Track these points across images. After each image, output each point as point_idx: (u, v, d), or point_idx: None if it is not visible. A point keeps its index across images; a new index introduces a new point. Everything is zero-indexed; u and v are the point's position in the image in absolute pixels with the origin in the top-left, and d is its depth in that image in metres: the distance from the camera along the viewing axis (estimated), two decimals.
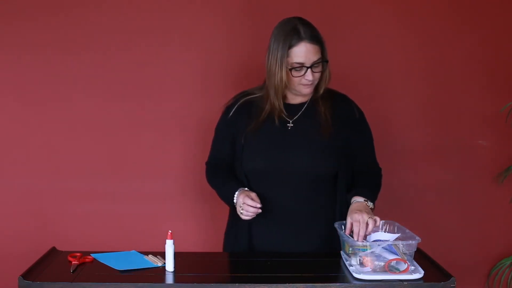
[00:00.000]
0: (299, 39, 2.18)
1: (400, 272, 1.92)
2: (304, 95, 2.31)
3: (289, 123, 2.29)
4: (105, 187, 2.97)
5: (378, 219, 2.10)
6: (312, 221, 2.28)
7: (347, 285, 1.89)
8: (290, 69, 2.20)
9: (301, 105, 2.32)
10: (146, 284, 1.89)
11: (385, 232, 2.14)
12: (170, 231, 2.05)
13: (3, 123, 2.95)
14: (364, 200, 2.20)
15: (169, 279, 1.94)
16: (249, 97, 2.35)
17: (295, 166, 2.24)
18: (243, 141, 2.30)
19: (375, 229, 2.13)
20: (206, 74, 2.95)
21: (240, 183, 2.28)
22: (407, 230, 2.07)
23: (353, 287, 1.89)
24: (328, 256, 2.16)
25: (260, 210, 2.16)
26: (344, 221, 2.14)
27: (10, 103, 2.95)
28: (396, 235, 2.07)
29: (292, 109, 2.31)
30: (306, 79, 2.21)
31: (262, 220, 2.25)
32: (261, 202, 2.18)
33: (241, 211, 2.18)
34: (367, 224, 2.06)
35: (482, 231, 3.08)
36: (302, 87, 2.25)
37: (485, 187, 3.05)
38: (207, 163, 2.46)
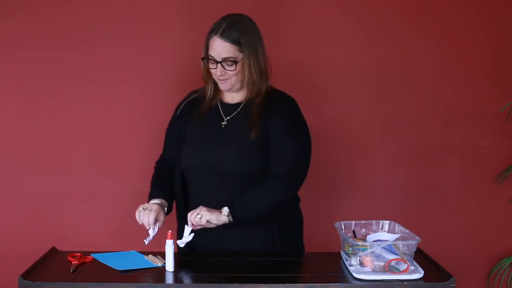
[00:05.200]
0: (216, 33, 2.21)
1: (400, 272, 1.92)
2: (225, 90, 2.30)
3: (224, 121, 2.29)
4: (105, 187, 2.97)
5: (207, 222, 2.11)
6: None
7: (347, 285, 1.89)
8: (206, 59, 2.23)
9: (237, 105, 2.32)
10: (146, 284, 1.89)
11: (385, 232, 2.14)
12: (170, 231, 2.05)
13: (3, 123, 2.95)
14: (228, 215, 2.14)
15: (169, 279, 1.94)
16: (195, 95, 2.38)
17: (223, 164, 2.23)
18: (183, 139, 2.33)
19: (375, 229, 2.13)
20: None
21: (160, 193, 2.28)
22: (407, 230, 2.07)
23: (353, 287, 1.89)
24: (328, 256, 2.16)
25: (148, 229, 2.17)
26: (344, 221, 2.15)
27: (10, 103, 2.95)
28: (396, 235, 2.07)
29: (229, 108, 2.31)
30: (217, 74, 2.24)
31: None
32: (195, 201, 2.22)
33: (139, 211, 2.18)
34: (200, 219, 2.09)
35: (482, 231, 3.08)
36: (218, 81, 2.27)
37: (485, 187, 3.05)
38: (156, 162, 2.46)
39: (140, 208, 2.19)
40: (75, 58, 2.93)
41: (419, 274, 1.92)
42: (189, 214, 2.13)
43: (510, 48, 3.00)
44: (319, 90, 2.98)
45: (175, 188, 2.33)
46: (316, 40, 2.97)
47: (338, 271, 2.02)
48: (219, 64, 2.21)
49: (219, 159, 2.23)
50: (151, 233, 2.15)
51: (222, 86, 2.27)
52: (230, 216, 2.14)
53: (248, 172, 2.22)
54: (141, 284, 1.89)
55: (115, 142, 2.97)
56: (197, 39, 2.84)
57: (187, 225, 2.11)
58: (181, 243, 2.08)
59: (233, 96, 2.33)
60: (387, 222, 2.17)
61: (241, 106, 2.30)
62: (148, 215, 2.15)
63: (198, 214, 2.11)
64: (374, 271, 1.94)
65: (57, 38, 2.91)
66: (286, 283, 1.88)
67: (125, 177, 2.98)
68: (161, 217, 2.20)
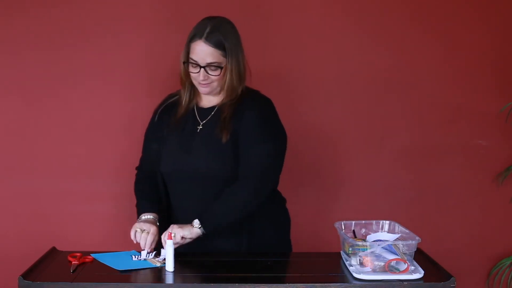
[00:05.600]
0: (199, 37, 2.18)
1: (400, 272, 1.92)
2: (204, 94, 2.29)
3: (200, 125, 2.28)
4: (105, 187, 2.97)
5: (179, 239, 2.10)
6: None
7: (347, 285, 1.89)
8: (189, 63, 2.21)
9: (211, 108, 2.30)
10: (146, 284, 1.89)
11: (385, 232, 2.14)
12: (170, 231, 2.05)
13: (3, 123, 2.95)
14: (199, 226, 2.14)
15: (169, 279, 1.94)
16: (173, 99, 2.36)
17: (197, 168, 2.22)
18: (162, 143, 2.31)
19: (375, 229, 2.13)
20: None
21: (151, 204, 2.27)
22: (407, 230, 2.07)
23: (353, 287, 1.89)
24: (328, 256, 2.16)
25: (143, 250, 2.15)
26: (344, 221, 2.15)
27: (9, 102, 2.95)
28: (396, 235, 2.07)
29: (204, 112, 2.30)
30: (199, 78, 2.21)
31: (179, 223, 2.21)
32: (176, 205, 2.25)
33: (136, 231, 2.17)
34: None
35: (482, 231, 3.08)
36: (199, 85, 2.25)
37: (485, 187, 3.05)
38: (137, 168, 2.43)
39: (138, 229, 2.17)
40: (75, 58, 2.92)
41: (419, 274, 1.92)
42: (162, 236, 2.11)
43: (510, 48, 3.00)
44: (318, 90, 2.98)
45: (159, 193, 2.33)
46: (317, 40, 2.97)
47: (338, 271, 2.02)
48: (202, 69, 2.19)
49: (193, 163, 2.23)
50: (144, 255, 2.13)
51: (202, 90, 2.26)
52: (202, 228, 2.13)
53: (223, 175, 2.21)
54: (141, 284, 1.89)
55: (115, 142, 2.97)
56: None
57: (163, 248, 2.08)
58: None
59: (210, 100, 2.31)
60: (387, 222, 2.17)
61: (215, 110, 2.29)
62: (145, 238, 2.15)
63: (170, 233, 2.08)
64: (374, 271, 1.94)
65: (57, 38, 2.91)
66: (286, 283, 1.88)
67: (125, 177, 2.96)
68: (156, 238, 2.18)
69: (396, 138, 3.02)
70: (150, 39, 2.95)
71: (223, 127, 2.22)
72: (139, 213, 2.27)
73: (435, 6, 2.97)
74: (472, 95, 3.01)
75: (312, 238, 2.91)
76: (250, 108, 2.25)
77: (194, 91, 2.31)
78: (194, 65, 2.20)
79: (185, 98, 2.31)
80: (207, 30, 2.18)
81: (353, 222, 2.17)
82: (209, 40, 2.17)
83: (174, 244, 2.03)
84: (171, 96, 2.40)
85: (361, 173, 3.03)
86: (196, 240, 2.15)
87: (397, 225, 2.14)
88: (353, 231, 2.16)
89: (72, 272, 1.97)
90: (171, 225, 2.14)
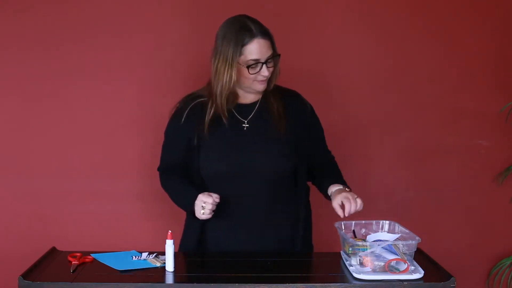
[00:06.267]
0: (252, 36, 2.17)
1: (400, 272, 1.92)
2: (258, 92, 2.28)
3: (244, 124, 2.28)
4: (105, 187, 2.97)
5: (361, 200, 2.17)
6: (274, 220, 2.26)
7: (347, 285, 1.89)
8: (248, 67, 2.18)
9: (253, 104, 2.30)
10: (146, 284, 1.89)
11: (385, 232, 2.14)
12: (170, 231, 2.05)
13: (3, 123, 2.95)
14: (343, 186, 2.24)
15: (169, 279, 1.94)
16: (200, 99, 2.30)
17: (256, 167, 2.22)
18: (198, 145, 2.27)
19: (375, 229, 2.13)
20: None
21: (199, 189, 2.22)
22: (407, 230, 2.07)
23: (353, 287, 1.89)
24: (328, 256, 2.16)
25: (218, 200, 2.14)
26: (344, 221, 2.15)
27: (9, 102, 2.95)
28: (396, 235, 2.07)
29: (245, 109, 2.29)
30: (262, 75, 2.21)
31: (219, 224, 2.24)
32: (221, 205, 2.18)
33: (202, 211, 2.15)
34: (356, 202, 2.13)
35: (482, 231, 3.08)
36: (257, 84, 2.23)
37: (485, 187, 3.05)
38: (160, 169, 2.39)
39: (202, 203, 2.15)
40: (76, 58, 2.92)
41: (419, 274, 1.92)
42: (346, 206, 2.13)
43: (510, 48, 3.00)
44: (318, 91, 2.98)
45: None
46: (316, 39, 2.97)
47: (338, 271, 2.02)
48: (264, 65, 2.19)
49: (250, 163, 2.22)
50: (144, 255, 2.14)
51: (261, 87, 2.24)
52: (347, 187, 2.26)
53: (277, 171, 2.23)
54: (141, 284, 1.89)
55: (115, 142, 2.97)
56: (197, 38, 2.87)
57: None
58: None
59: (246, 96, 2.30)
60: (387, 222, 2.17)
61: (257, 105, 2.29)
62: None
63: (356, 200, 2.13)
64: (374, 271, 1.94)
65: (57, 36, 2.91)
66: (286, 283, 1.88)
67: (125, 177, 2.98)
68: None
69: (396, 138, 3.02)
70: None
71: (279, 122, 2.25)
72: (192, 199, 2.20)
73: (435, 6, 2.97)
74: (472, 95, 3.01)
75: (312, 238, 2.91)
76: (298, 100, 2.35)
77: (231, 93, 2.26)
78: (254, 66, 2.19)
79: (221, 101, 2.23)
80: (253, 26, 2.18)
81: (353, 222, 2.17)
82: (261, 34, 2.18)
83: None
84: (193, 96, 2.33)
85: (361, 173, 3.03)
86: (238, 243, 2.23)
87: (397, 225, 2.14)
88: (353, 231, 2.16)
89: (72, 272, 1.97)
90: (348, 193, 2.18)
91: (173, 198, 2.34)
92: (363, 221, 2.17)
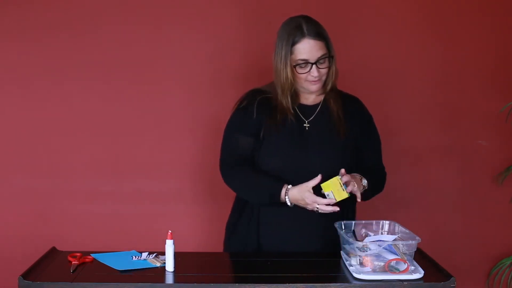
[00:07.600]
0: (302, 35, 2.19)
1: (400, 272, 1.92)
2: (312, 92, 2.30)
3: (305, 123, 2.30)
4: (105, 187, 2.97)
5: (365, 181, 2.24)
6: (324, 219, 2.26)
7: (347, 285, 1.89)
8: (295, 66, 2.21)
9: (315, 106, 2.33)
10: (146, 284, 1.89)
11: (385, 232, 2.14)
12: (170, 231, 2.05)
13: (3, 123, 2.95)
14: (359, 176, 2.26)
15: (169, 279, 1.94)
16: (266, 95, 2.33)
17: (313, 165, 2.23)
18: (263, 138, 2.29)
19: (375, 229, 2.13)
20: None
21: (277, 179, 2.24)
22: (407, 230, 2.07)
23: (353, 287, 1.89)
24: (328, 256, 2.16)
25: (337, 209, 2.16)
26: (344, 221, 2.15)
27: (10, 102, 2.95)
28: (396, 235, 2.07)
29: (306, 109, 2.32)
30: (312, 76, 2.22)
31: (273, 220, 2.27)
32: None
33: (317, 210, 2.17)
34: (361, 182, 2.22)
35: (482, 231, 3.08)
36: (309, 84, 2.25)
37: (485, 187, 3.05)
38: (224, 162, 2.37)
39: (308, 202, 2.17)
40: (77, 58, 2.93)
41: (419, 274, 1.92)
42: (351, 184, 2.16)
43: (510, 48, 3.00)
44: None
45: None
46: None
47: (338, 271, 2.02)
48: (314, 66, 2.20)
49: (308, 161, 2.24)
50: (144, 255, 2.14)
51: (313, 87, 2.26)
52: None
53: (333, 172, 2.21)
54: (141, 284, 1.89)
55: (115, 142, 2.97)
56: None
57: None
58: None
59: (307, 97, 2.33)
60: (387, 222, 2.17)
61: (319, 107, 2.31)
62: (310, 192, 2.16)
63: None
64: (374, 271, 1.94)
65: (60, 34, 2.91)
66: (286, 283, 1.88)
67: (125, 177, 2.98)
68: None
69: (396, 138, 3.02)
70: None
71: (339, 124, 2.28)
72: (276, 190, 2.21)
73: (436, 6, 2.97)
74: (472, 95, 3.01)
75: None
76: (358, 105, 2.38)
77: (294, 92, 2.29)
78: (303, 66, 2.21)
79: (285, 101, 2.27)
80: (304, 27, 2.20)
81: (353, 222, 2.17)
82: (312, 34, 2.19)
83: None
84: (259, 91, 2.34)
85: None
86: (288, 239, 2.24)
87: (397, 225, 2.14)
88: (353, 231, 2.16)
89: (72, 272, 1.97)
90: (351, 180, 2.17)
91: (251, 190, 2.32)
92: (363, 221, 2.18)
